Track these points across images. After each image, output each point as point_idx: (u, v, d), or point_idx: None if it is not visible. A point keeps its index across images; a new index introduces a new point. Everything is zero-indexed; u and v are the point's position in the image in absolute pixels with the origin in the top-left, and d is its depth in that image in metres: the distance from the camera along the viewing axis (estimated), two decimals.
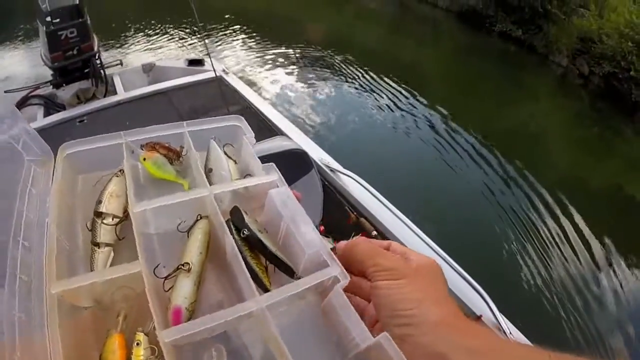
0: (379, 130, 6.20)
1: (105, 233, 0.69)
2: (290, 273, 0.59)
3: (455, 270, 1.85)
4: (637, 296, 4.12)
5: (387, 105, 6.77)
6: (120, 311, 0.59)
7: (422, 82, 7.75)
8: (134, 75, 3.90)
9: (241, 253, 0.58)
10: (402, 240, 2.11)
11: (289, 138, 2.65)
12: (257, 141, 2.34)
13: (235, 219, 0.63)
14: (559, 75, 9.44)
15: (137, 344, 0.53)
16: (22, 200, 0.68)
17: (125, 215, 0.71)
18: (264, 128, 3.06)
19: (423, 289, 0.44)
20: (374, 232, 2.19)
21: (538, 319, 3.60)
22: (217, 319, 0.49)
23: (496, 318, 1.67)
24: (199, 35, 7.75)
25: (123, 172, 0.77)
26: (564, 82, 9.29)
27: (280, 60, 7.78)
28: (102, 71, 3.45)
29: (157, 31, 8.32)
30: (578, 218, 4.89)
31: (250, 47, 8.20)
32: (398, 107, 6.73)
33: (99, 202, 0.72)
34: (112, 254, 0.68)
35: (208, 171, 0.80)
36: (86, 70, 3.37)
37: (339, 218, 2.32)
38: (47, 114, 3.26)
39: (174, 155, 0.83)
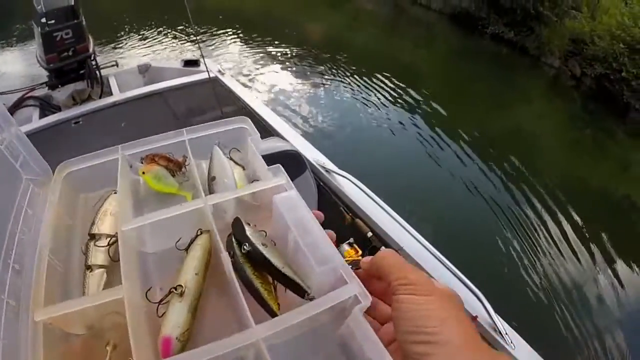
0: (372, 131, 6.21)
1: (98, 255, 0.66)
2: (301, 292, 0.51)
3: (450, 271, 1.84)
4: (632, 298, 4.17)
5: (380, 105, 6.79)
6: (110, 340, 0.54)
7: (415, 83, 7.74)
8: (129, 76, 3.89)
9: (242, 272, 0.51)
10: (397, 241, 2.10)
11: (284, 139, 2.66)
12: None
13: (237, 232, 0.56)
14: (551, 76, 9.49)
15: None
16: (16, 221, 0.66)
17: None
18: (260, 129, 3.05)
19: (448, 308, 0.42)
20: (369, 234, 2.18)
21: (533, 317, 3.62)
22: (210, 352, 0.42)
23: (492, 318, 1.67)
24: (193, 37, 7.74)
25: None
26: (556, 83, 9.34)
27: (276, 60, 7.79)
28: (97, 72, 3.45)
29: (152, 32, 8.31)
30: (571, 218, 4.92)
31: (245, 48, 8.20)
32: (391, 109, 6.75)
33: (92, 223, 0.70)
34: (104, 276, 0.64)
35: (211, 180, 0.76)
36: (82, 72, 3.37)
37: (334, 219, 2.30)
38: (42, 115, 3.24)
39: (175, 166, 0.80)
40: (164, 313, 0.51)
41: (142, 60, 4.13)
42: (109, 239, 0.68)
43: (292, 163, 2.14)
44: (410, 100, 7.02)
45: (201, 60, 3.82)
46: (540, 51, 9.75)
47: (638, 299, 4.16)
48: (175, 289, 0.52)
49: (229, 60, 7.68)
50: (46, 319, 0.50)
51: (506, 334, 1.65)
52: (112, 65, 3.88)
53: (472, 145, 5.99)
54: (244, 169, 0.83)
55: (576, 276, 4.20)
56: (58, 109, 3.37)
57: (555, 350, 3.41)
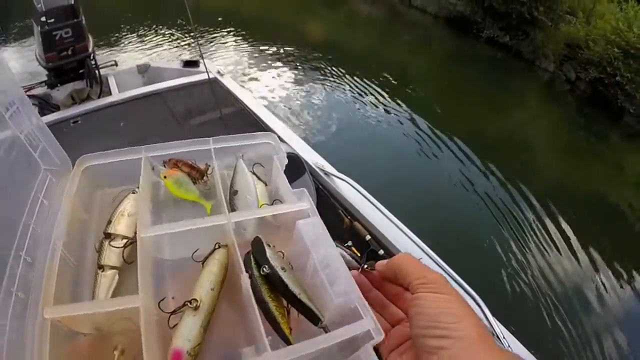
0: (366, 132, 6.21)
1: (111, 255, 0.65)
2: (315, 320, 0.52)
3: (448, 274, 1.84)
4: (624, 300, 4.20)
5: (374, 106, 6.81)
6: (117, 345, 0.54)
7: (410, 85, 7.79)
8: (128, 76, 3.87)
9: (259, 294, 0.51)
10: (395, 244, 2.11)
11: (283, 141, 2.67)
12: None
13: (256, 252, 0.56)
14: (545, 80, 9.57)
15: None
16: (31, 212, 0.65)
17: (136, 236, 0.66)
18: (259, 130, 3.05)
19: (465, 307, 0.45)
20: (368, 237, 2.17)
21: (528, 318, 3.65)
22: None
23: (489, 322, 1.68)
24: (192, 39, 7.71)
25: None
26: (550, 87, 9.42)
27: (272, 61, 7.78)
28: (96, 72, 3.43)
29: (152, 33, 8.26)
30: (564, 222, 4.94)
31: (243, 49, 8.19)
32: (386, 110, 6.77)
33: (109, 222, 0.70)
34: (116, 278, 0.64)
35: (233, 193, 0.76)
36: (81, 71, 3.34)
37: (333, 222, 2.30)
38: (41, 114, 3.21)
39: (197, 174, 0.80)
40: (176, 325, 0.52)
41: (141, 61, 4.11)
42: (124, 240, 0.67)
43: (292, 165, 2.14)
44: (405, 102, 7.02)
45: (201, 61, 3.82)
46: (535, 55, 9.83)
47: (632, 301, 4.21)
48: (190, 302, 0.52)
49: (228, 60, 7.67)
50: (55, 318, 0.50)
51: (504, 337, 1.65)
52: (112, 65, 3.87)
53: (465, 148, 6.01)
54: (266, 185, 0.82)
55: (569, 279, 4.23)
56: (57, 108, 3.34)
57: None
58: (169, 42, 8.02)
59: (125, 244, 0.66)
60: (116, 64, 3.94)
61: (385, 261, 0.54)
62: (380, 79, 7.61)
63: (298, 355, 0.45)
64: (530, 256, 4.38)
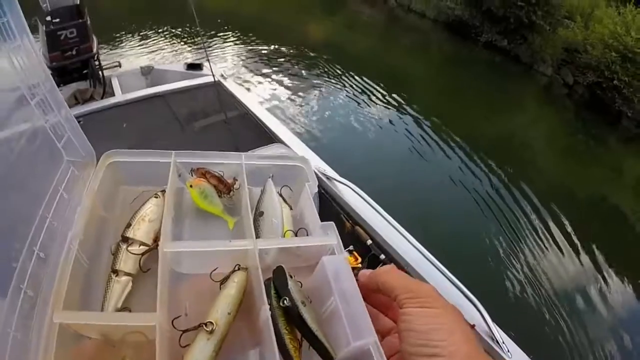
0: (361, 133, 6.22)
1: (128, 261, 0.63)
2: (327, 357, 0.52)
3: (448, 279, 1.84)
4: (624, 304, 4.22)
5: (372, 108, 6.83)
6: (125, 357, 0.52)
7: (409, 88, 7.80)
8: (132, 78, 3.86)
9: (276, 326, 0.51)
10: (396, 249, 2.10)
11: (286, 145, 2.67)
12: (254, 148, 2.33)
13: (278, 282, 0.55)
14: (543, 85, 9.64)
15: None
16: (49, 205, 0.63)
17: (155, 245, 0.65)
18: (261, 134, 3.04)
19: (455, 321, 0.44)
20: (369, 241, 2.17)
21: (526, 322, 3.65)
22: None
23: (489, 327, 1.67)
24: (193, 42, 7.71)
25: (164, 193, 0.71)
26: (548, 91, 9.48)
27: (272, 64, 7.78)
28: (100, 72, 3.42)
29: (155, 35, 8.24)
30: (563, 225, 4.97)
31: (242, 51, 8.19)
32: (385, 112, 6.80)
33: (128, 225, 0.67)
34: (130, 285, 0.62)
35: (259, 214, 0.74)
36: (84, 71, 3.35)
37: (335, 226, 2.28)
38: None
39: (224, 188, 0.78)
40: (189, 345, 0.51)
41: (143, 62, 4.11)
42: (141, 247, 0.65)
43: None
44: (404, 104, 7.06)
45: (205, 63, 3.81)
46: (533, 59, 9.90)
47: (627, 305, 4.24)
48: (206, 325, 0.51)
49: (229, 61, 7.67)
50: (65, 323, 0.49)
51: (503, 342, 1.64)
52: (115, 66, 3.86)
53: (464, 151, 6.04)
54: (291, 208, 0.81)
55: (566, 282, 4.24)
56: None
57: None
58: (172, 44, 8.00)
59: (145, 252, 0.64)
60: (120, 65, 3.94)
61: (368, 271, 0.53)
62: (379, 82, 7.62)
63: None
64: (531, 257, 4.40)
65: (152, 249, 0.65)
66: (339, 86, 7.40)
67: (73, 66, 3.24)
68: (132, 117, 3.22)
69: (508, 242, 4.52)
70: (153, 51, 7.56)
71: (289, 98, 6.75)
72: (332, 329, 0.53)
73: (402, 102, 7.14)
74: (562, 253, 4.59)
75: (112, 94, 3.51)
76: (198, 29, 3.36)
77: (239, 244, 0.61)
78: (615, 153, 7.53)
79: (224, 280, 0.59)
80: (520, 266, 4.24)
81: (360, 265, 2.07)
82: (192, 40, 7.89)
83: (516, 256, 4.36)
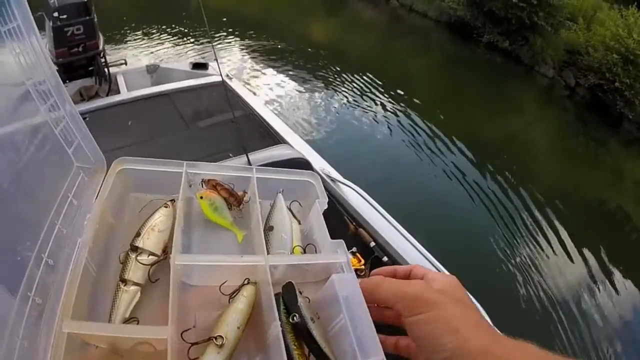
0: (363, 132, 6.24)
1: (137, 271, 0.62)
2: None
3: None
4: (624, 306, 4.23)
5: (372, 108, 6.83)
6: None
7: (411, 88, 7.79)
8: (137, 76, 3.85)
9: (285, 342, 0.51)
10: (399, 250, 2.11)
11: (291, 146, 2.67)
12: (259, 148, 2.33)
13: (287, 298, 0.56)
14: (545, 86, 9.65)
15: None
16: (58, 211, 0.62)
17: (164, 255, 0.65)
18: (266, 135, 3.04)
19: (454, 313, 0.44)
20: (372, 243, 2.17)
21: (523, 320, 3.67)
22: None
23: None
24: (199, 42, 7.70)
25: (173, 202, 0.71)
26: (550, 93, 9.49)
27: (274, 63, 7.77)
28: (106, 70, 3.41)
29: (162, 34, 8.21)
30: (561, 227, 4.97)
31: (247, 50, 8.18)
32: (385, 112, 6.79)
33: (138, 234, 0.67)
34: (138, 295, 0.61)
35: (268, 229, 0.74)
36: (90, 68, 3.34)
37: (338, 228, 2.29)
38: None
39: (234, 200, 0.79)
40: (197, 358, 0.51)
41: (149, 61, 4.10)
42: (151, 257, 0.65)
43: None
44: (404, 104, 7.05)
45: (211, 63, 3.81)
46: (534, 60, 9.91)
47: (631, 306, 4.25)
48: (216, 339, 0.52)
49: (233, 60, 7.64)
50: (74, 333, 0.48)
51: None
52: (121, 64, 3.86)
53: (464, 152, 6.04)
54: (299, 223, 0.81)
55: (565, 284, 4.25)
56: None
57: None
58: (178, 42, 7.97)
59: (154, 262, 0.64)
60: (125, 63, 3.94)
61: (363, 285, 0.54)
62: (379, 80, 7.62)
63: None
64: (530, 258, 4.41)
65: (162, 260, 0.65)
66: (337, 82, 7.41)
67: (79, 63, 3.24)
68: (137, 114, 3.21)
69: (507, 243, 4.54)
70: (158, 50, 7.54)
71: (289, 98, 6.74)
72: (339, 346, 0.54)
73: (402, 101, 7.14)
74: (561, 254, 4.60)
75: (118, 92, 3.49)
76: (211, 32, 3.35)
77: (251, 260, 0.62)
78: (616, 155, 7.55)
79: (233, 294, 0.60)
80: (520, 266, 4.26)
81: (363, 267, 2.08)
82: (198, 40, 7.85)
83: (515, 256, 4.38)
